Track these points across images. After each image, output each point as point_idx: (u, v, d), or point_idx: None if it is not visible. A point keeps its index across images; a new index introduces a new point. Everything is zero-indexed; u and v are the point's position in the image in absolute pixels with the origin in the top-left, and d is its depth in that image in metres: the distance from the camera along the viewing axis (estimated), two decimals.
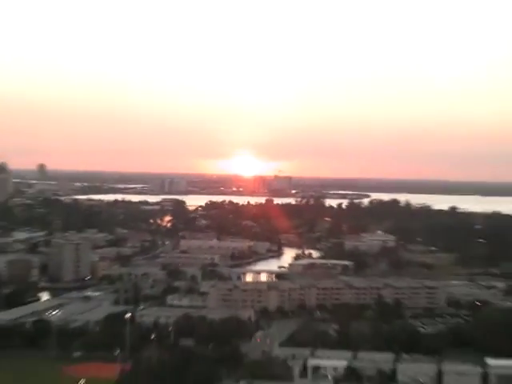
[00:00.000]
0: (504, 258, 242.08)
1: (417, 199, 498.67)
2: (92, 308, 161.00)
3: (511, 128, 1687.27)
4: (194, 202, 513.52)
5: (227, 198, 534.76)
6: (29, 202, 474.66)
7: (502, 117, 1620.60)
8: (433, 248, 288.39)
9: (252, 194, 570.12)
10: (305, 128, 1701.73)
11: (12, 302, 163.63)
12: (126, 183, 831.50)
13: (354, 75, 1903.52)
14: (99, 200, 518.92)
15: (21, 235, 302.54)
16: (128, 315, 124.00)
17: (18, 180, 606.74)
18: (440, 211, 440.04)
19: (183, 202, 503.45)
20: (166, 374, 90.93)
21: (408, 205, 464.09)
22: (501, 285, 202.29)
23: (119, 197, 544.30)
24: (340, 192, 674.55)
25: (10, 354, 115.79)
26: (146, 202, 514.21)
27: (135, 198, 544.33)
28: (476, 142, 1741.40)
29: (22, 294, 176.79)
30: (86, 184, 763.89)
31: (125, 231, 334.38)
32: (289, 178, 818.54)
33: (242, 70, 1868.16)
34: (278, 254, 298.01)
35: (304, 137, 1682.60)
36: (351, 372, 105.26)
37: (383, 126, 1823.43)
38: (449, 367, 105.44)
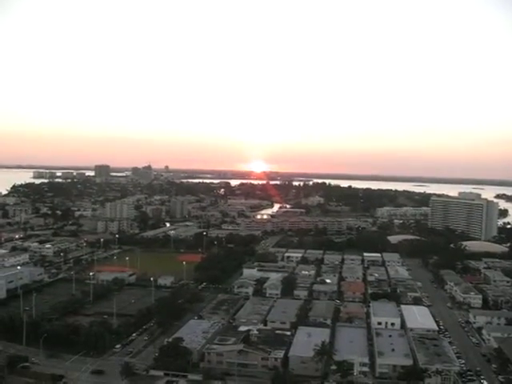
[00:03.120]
0: (372, 208, 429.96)
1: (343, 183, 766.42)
2: (188, 230, 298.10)
3: None
4: (234, 183, 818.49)
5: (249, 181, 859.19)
6: (160, 183, 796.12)
7: None
8: (340, 204, 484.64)
9: (260, 179, 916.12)
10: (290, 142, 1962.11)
11: (153, 227, 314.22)
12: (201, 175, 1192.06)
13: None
14: (192, 182, 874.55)
15: (158, 197, 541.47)
16: (204, 233, 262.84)
17: (155, 173, 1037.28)
18: (344, 187, 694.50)
19: (229, 183, 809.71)
20: (220, 259, 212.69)
21: (332, 185, 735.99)
22: (370, 220, 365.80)
23: (200, 180, 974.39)
24: (301, 178, 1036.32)
25: (153, 250, 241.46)
26: (211, 183, 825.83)
27: (207, 181, 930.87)
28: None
29: (157, 223, 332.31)
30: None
31: (203, 196, 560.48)
32: (276, 172, 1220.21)
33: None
34: (271, 206, 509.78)
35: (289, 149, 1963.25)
36: (304, 259, 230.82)
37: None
38: (347, 256, 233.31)
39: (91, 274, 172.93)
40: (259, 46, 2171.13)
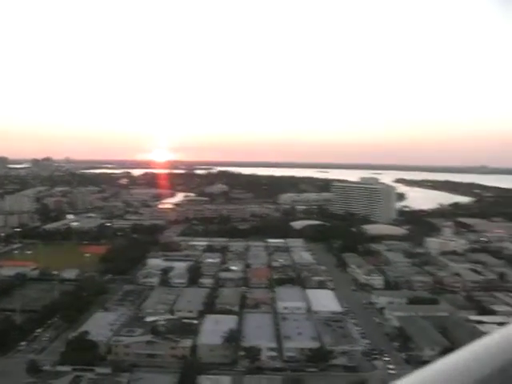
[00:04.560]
0: (275, 195, 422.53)
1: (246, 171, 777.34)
2: (90, 221, 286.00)
3: None
4: (137, 173, 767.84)
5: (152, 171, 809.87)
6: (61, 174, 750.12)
7: None
8: (244, 191, 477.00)
9: (164, 168, 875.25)
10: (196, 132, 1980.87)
11: (55, 219, 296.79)
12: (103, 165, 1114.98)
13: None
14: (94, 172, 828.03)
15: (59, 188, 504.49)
16: (108, 224, 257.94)
17: (56, 164, 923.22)
18: (247, 175, 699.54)
19: (132, 173, 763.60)
20: (125, 250, 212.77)
21: (236, 173, 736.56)
22: (273, 206, 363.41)
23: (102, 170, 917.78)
24: (205, 167, 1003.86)
25: (56, 243, 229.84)
26: (113, 173, 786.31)
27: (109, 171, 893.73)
28: None
29: (59, 215, 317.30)
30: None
31: (105, 186, 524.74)
32: (180, 161, 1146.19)
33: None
34: (175, 195, 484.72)
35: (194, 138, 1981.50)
36: (209, 247, 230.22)
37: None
38: (251, 243, 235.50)
39: None
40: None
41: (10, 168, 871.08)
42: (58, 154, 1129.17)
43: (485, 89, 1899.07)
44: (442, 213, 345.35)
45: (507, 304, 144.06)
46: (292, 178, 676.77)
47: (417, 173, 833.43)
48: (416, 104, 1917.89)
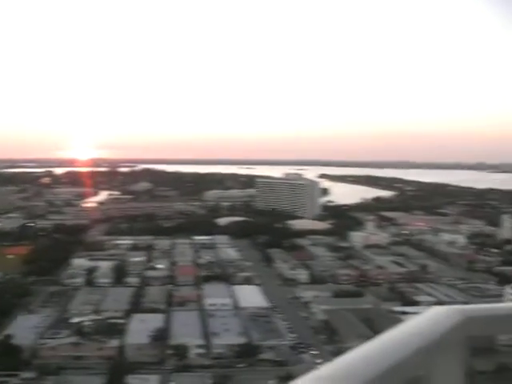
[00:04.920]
0: (200, 192, 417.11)
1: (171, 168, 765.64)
2: (12, 222, 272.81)
3: None
4: (59, 171, 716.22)
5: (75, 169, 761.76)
6: None
7: None
8: (168, 189, 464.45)
9: (87, 166, 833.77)
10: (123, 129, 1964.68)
11: None
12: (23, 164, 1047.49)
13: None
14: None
15: None
16: (30, 224, 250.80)
17: None
18: (171, 172, 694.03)
19: (54, 172, 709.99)
20: (48, 250, 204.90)
21: (159, 170, 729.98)
22: (198, 203, 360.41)
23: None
24: (129, 164, 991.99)
25: None
26: (34, 172, 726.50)
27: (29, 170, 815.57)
28: None
29: None
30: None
31: (27, 185, 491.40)
32: (104, 159, 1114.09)
33: None
34: (99, 194, 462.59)
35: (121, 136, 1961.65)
36: (134, 246, 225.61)
37: None
38: (177, 240, 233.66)
39: None
40: None
41: None
42: None
43: (404, 85, 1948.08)
44: (365, 207, 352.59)
45: (429, 294, 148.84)
46: (217, 174, 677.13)
47: (340, 168, 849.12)
48: (337, 99, 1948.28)
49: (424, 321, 3.10)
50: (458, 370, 3.18)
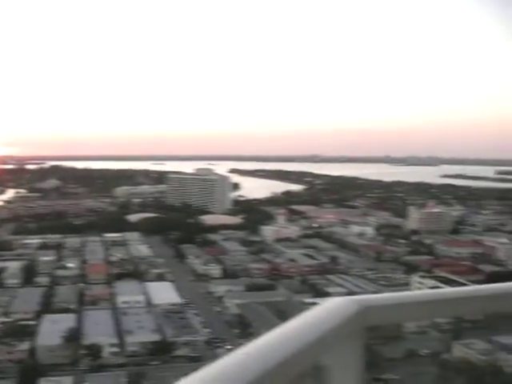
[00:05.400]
0: (111, 188, 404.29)
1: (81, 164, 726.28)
2: None
3: None
4: None
5: None
6: None
7: None
8: (78, 186, 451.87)
9: None
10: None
11: None
12: None
13: None
14: None
15: None
16: None
17: None
18: (81, 169, 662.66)
19: None
20: None
21: (68, 167, 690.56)
22: (109, 200, 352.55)
23: None
24: (37, 161, 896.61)
25: None
26: None
27: None
28: None
29: None
30: None
31: None
32: (11, 156, 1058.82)
33: None
34: (4, 192, 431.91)
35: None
36: (43, 245, 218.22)
37: None
38: (88, 238, 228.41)
39: None
40: None
41: None
42: None
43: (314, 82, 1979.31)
44: (275, 201, 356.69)
45: (339, 285, 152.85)
46: (128, 170, 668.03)
47: (251, 163, 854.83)
48: (246, 94, 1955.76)
49: (321, 312, 3.15)
50: (357, 360, 3.35)
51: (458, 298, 4.12)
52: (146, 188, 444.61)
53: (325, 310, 3.17)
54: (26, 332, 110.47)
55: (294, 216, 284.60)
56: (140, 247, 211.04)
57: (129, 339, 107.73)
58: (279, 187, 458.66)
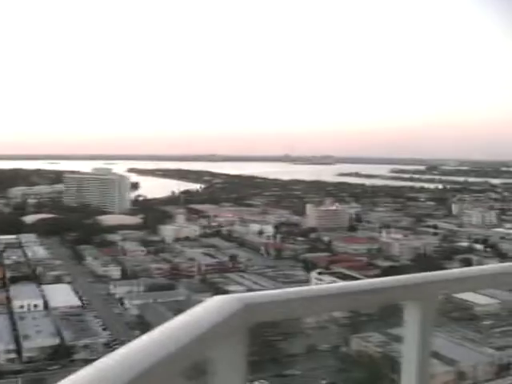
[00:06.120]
0: (5, 189, 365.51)
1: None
2: None
3: None
4: None
5: None
6: None
7: None
8: None
9: None
10: None
11: None
12: None
13: None
14: None
15: None
16: None
17: None
18: None
19: None
20: None
21: None
22: (1, 201, 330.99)
23: None
24: None
25: None
26: None
27: None
28: None
29: None
30: None
31: None
32: None
33: None
34: None
35: None
36: None
37: None
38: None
39: None
40: None
41: None
42: None
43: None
44: (175, 200, 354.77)
45: (239, 283, 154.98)
46: (21, 170, 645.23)
47: (149, 162, 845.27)
48: (146, 94, 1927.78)
49: (203, 310, 3.21)
50: (241, 357, 3.41)
51: (350, 292, 4.35)
52: (41, 188, 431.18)
53: (207, 308, 3.22)
54: None
55: (193, 215, 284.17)
56: (36, 249, 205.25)
57: (26, 344, 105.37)
58: (179, 186, 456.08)
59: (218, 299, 3.43)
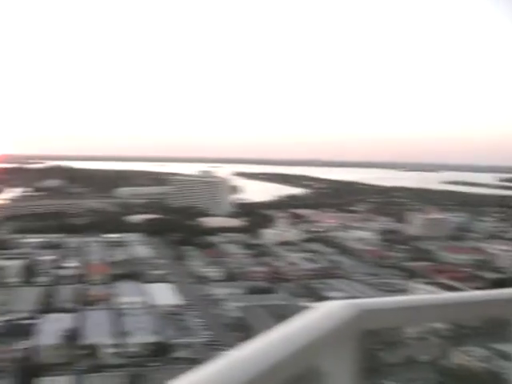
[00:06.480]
0: (114, 189, 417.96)
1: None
2: None
3: None
4: None
5: None
6: None
7: None
8: (80, 186, 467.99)
9: None
10: None
11: None
12: None
13: None
14: None
15: None
16: None
17: None
18: (83, 169, 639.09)
19: None
20: None
21: (71, 167, 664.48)
22: (110, 201, 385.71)
23: None
24: (40, 160, 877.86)
25: None
26: None
27: None
28: None
29: None
30: None
31: None
32: (13, 155, 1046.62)
33: None
34: (7, 191, 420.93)
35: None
36: (44, 244, 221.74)
37: None
38: (89, 238, 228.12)
39: None
40: None
41: None
42: None
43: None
44: (277, 204, 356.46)
45: (339, 290, 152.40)
46: (129, 171, 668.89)
47: (253, 165, 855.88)
48: (254, 97, 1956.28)
49: (317, 315, 3.12)
50: (353, 364, 3.25)
51: (456, 303, 4.09)
52: (147, 189, 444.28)
53: (321, 313, 3.16)
54: (24, 331, 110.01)
55: (295, 220, 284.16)
56: (140, 248, 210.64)
57: (128, 340, 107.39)
58: (281, 190, 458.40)
59: (332, 304, 3.40)
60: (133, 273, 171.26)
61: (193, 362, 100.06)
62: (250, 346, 2.28)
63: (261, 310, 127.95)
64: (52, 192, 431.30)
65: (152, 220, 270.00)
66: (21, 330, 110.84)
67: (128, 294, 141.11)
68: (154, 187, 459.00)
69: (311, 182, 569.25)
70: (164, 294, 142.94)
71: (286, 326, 2.72)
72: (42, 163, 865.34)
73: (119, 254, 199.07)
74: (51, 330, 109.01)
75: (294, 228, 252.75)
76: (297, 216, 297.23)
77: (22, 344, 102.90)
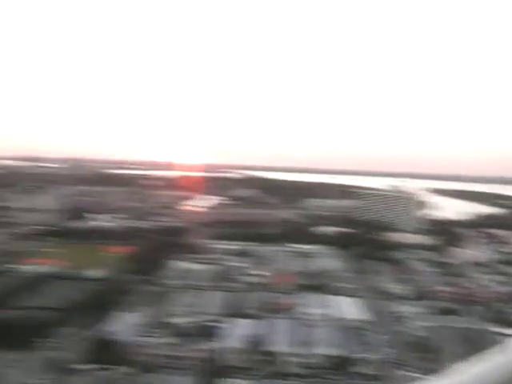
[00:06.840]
0: (302, 200, 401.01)
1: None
2: (117, 221, 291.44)
3: None
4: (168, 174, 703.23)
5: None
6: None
7: None
8: (271, 196, 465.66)
9: (195, 171, 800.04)
10: None
11: (82, 218, 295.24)
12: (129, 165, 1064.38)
13: None
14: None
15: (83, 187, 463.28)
16: (135, 225, 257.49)
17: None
18: (274, 179, 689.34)
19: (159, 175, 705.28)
20: (151, 251, 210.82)
21: (264, 177, 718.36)
22: (297, 211, 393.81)
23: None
24: (235, 170, 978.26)
25: (83, 242, 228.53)
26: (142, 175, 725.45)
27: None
28: None
29: (86, 215, 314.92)
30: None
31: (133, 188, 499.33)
32: (217, 165, 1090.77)
33: None
34: (203, 198, 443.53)
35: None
36: (235, 251, 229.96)
37: None
38: (277, 248, 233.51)
39: (19, 266, 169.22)
40: None
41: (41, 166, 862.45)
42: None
43: None
44: (469, 223, 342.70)
45: None
46: (317, 183, 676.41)
47: (442, 181, 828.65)
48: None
49: None
50: None
51: None
52: (334, 202, 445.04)
53: None
54: (210, 333, 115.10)
55: (488, 239, 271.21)
56: (326, 260, 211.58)
57: (309, 351, 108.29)
58: (472, 208, 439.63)
59: None
60: (318, 284, 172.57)
61: (371, 379, 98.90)
62: (461, 373, 2.20)
63: (448, 332, 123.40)
64: (245, 201, 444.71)
65: (339, 232, 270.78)
66: (207, 332, 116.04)
67: (312, 305, 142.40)
68: (340, 200, 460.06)
69: (506, 201, 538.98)
70: (348, 308, 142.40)
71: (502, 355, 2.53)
72: (233, 172, 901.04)
73: (305, 265, 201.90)
74: (236, 334, 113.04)
75: (487, 248, 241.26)
76: (490, 236, 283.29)
77: (208, 345, 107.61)
